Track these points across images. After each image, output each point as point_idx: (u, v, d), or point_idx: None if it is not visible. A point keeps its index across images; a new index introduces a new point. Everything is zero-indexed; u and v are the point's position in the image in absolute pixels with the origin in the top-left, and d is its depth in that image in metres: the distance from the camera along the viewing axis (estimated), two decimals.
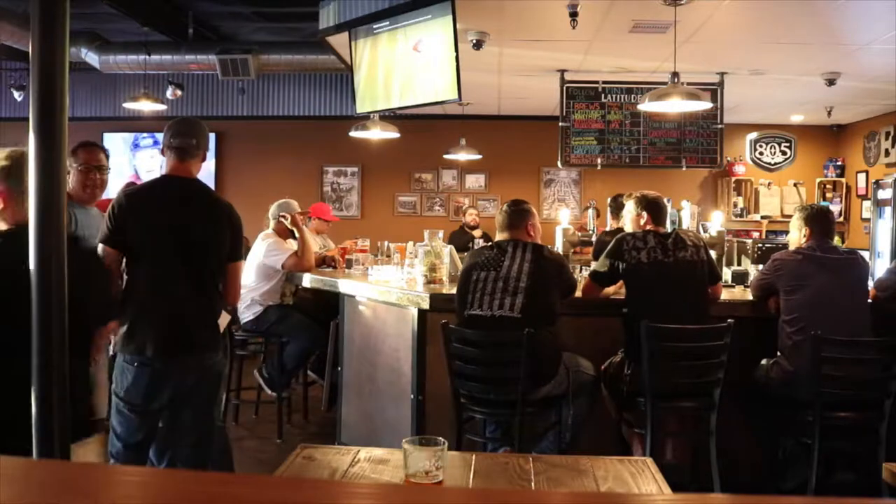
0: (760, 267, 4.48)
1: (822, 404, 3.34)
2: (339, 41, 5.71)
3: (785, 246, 5.02)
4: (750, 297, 4.06)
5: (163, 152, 3.01)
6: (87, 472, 0.78)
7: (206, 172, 9.45)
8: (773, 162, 9.58)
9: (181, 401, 2.91)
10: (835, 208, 9.21)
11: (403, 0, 4.89)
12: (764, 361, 3.67)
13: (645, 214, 3.80)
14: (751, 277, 4.42)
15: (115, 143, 9.54)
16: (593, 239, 5.67)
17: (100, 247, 2.84)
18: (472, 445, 3.44)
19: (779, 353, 3.59)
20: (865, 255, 4.67)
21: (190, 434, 2.95)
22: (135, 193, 2.95)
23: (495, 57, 5.98)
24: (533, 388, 3.27)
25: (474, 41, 5.20)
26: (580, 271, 4.68)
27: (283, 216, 5.07)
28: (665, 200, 4.00)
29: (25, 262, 1.30)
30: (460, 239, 7.60)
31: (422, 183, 9.70)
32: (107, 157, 3.32)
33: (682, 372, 3.44)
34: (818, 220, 3.71)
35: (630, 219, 3.91)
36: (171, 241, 2.83)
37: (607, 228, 6.04)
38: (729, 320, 3.37)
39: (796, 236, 3.76)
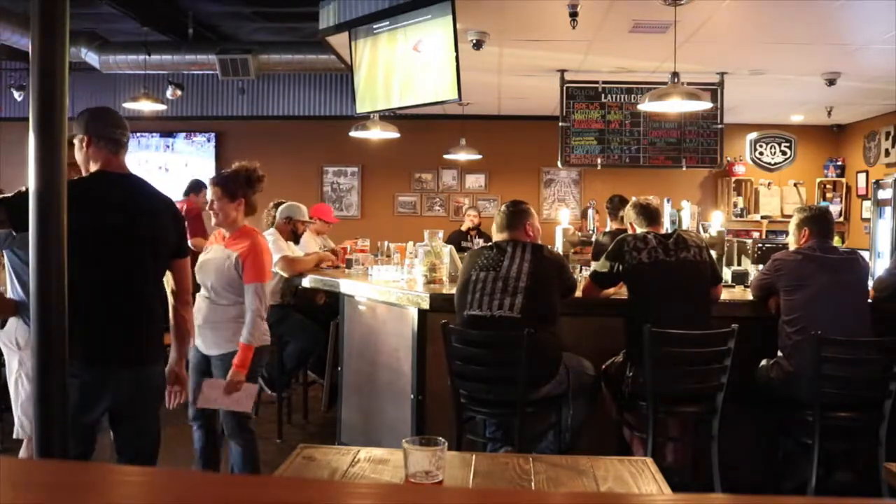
0: (761, 267, 4.47)
1: (822, 404, 3.34)
2: (339, 41, 5.71)
3: (785, 246, 5.03)
4: (750, 297, 4.06)
5: (90, 144, 2.63)
6: (87, 472, 0.78)
7: (206, 173, 9.46)
8: (773, 162, 9.58)
9: (117, 415, 2.69)
10: (835, 208, 9.21)
11: (403, 0, 4.89)
12: (764, 362, 3.67)
13: (638, 220, 3.85)
14: (751, 277, 4.42)
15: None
16: (593, 239, 5.68)
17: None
18: (472, 445, 3.44)
19: (779, 353, 3.59)
20: (865, 255, 4.67)
21: (127, 449, 2.75)
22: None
23: (495, 57, 5.98)
24: (533, 388, 3.26)
25: (474, 41, 5.20)
26: (580, 271, 4.68)
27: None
28: (657, 202, 4.02)
29: None
30: (457, 238, 7.61)
31: (422, 183, 9.70)
32: None
33: (684, 377, 3.44)
34: (817, 220, 3.71)
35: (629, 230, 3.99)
36: (108, 240, 2.58)
37: (607, 229, 6.04)
38: (733, 325, 3.36)
39: (795, 238, 3.76)
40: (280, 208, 5.19)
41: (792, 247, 3.80)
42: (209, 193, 3.47)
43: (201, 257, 3.51)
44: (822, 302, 3.47)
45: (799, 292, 3.52)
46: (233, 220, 3.41)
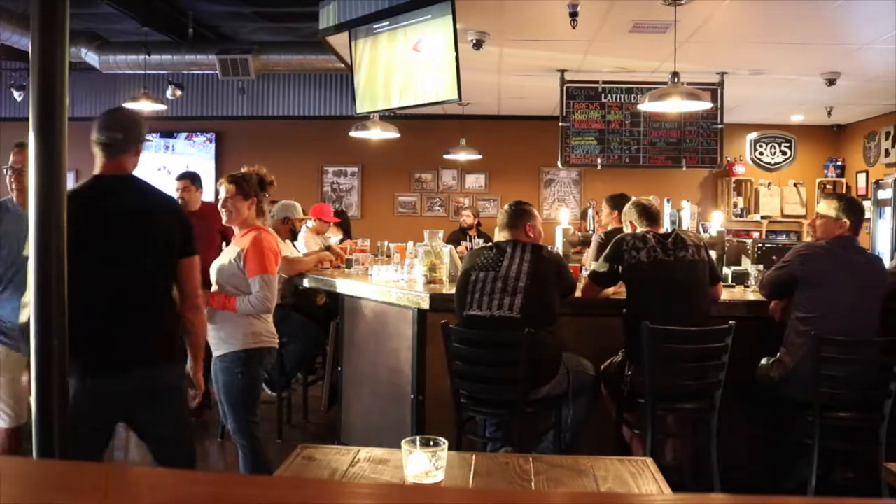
0: (761, 267, 4.46)
1: (821, 404, 3.33)
2: (339, 41, 5.71)
3: (785, 246, 5.00)
4: (750, 297, 4.06)
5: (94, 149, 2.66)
6: (88, 472, 0.78)
7: (207, 173, 9.48)
8: (773, 162, 9.58)
9: (140, 424, 2.67)
10: None
11: (403, 0, 4.89)
12: (764, 361, 3.66)
13: (639, 220, 3.86)
14: (751, 277, 4.41)
15: None
16: (593, 239, 5.67)
17: None
18: (472, 445, 3.44)
19: (782, 349, 3.55)
20: None
21: (166, 457, 2.70)
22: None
23: (495, 57, 5.98)
24: (533, 388, 3.26)
25: (474, 41, 5.20)
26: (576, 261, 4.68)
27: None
28: (657, 202, 4.02)
29: None
30: (457, 238, 7.63)
31: (422, 183, 9.70)
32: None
33: (683, 374, 3.44)
34: (860, 214, 3.58)
35: (628, 229, 4.02)
36: (106, 245, 2.56)
37: (609, 228, 6.04)
38: (730, 322, 3.36)
39: (832, 215, 3.52)
40: (275, 208, 5.19)
41: (819, 232, 3.60)
42: (222, 191, 3.49)
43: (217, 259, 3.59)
44: (841, 304, 3.41)
45: (818, 289, 3.44)
46: (244, 219, 3.47)
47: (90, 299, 2.51)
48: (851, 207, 3.56)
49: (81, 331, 2.51)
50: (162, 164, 9.62)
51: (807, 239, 8.33)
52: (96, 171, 2.66)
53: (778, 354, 3.58)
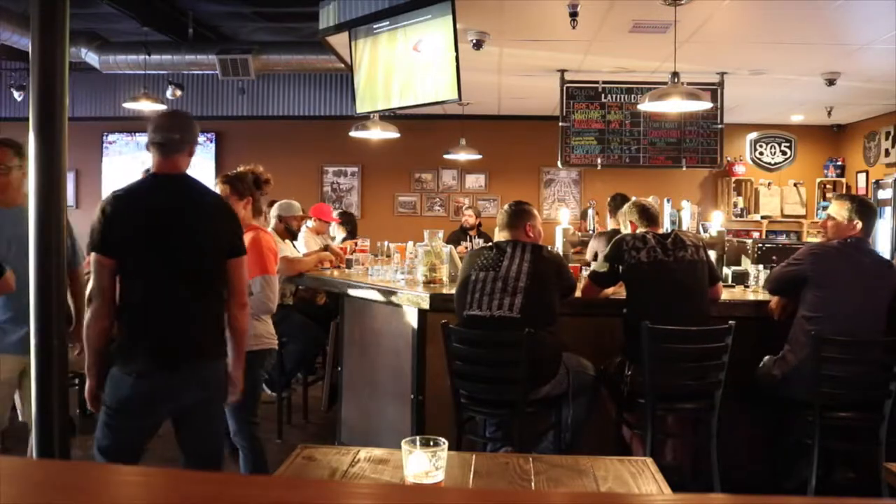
0: (760, 267, 4.46)
1: (822, 404, 3.33)
2: (339, 41, 5.72)
3: (786, 247, 5.00)
4: (750, 297, 4.06)
5: (148, 148, 2.73)
6: (87, 472, 0.78)
7: (207, 173, 9.48)
8: (773, 162, 9.58)
9: (184, 415, 2.73)
10: None
11: (403, 0, 4.89)
12: (767, 358, 3.65)
13: (640, 221, 3.86)
14: (751, 277, 4.40)
15: (119, 143, 9.56)
16: (591, 242, 5.67)
17: (92, 255, 2.59)
18: (472, 445, 3.44)
19: (786, 346, 3.53)
20: None
21: (198, 450, 2.78)
22: (120, 196, 2.65)
23: (495, 57, 5.98)
24: (533, 388, 3.26)
25: (474, 41, 5.21)
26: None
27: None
28: (657, 202, 4.02)
29: None
30: (458, 237, 7.64)
31: (422, 183, 9.71)
32: (19, 154, 3.20)
33: (683, 374, 3.44)
34: (872, 217, 3.56)
35: (628, 229, 4.02)
36: (162, 242, 2.62)
37: (608, 228, 6.04)
38: (730, 322, 3.36)
39: (844, 217, 3.50)
40: (276, 209, 5.19)
41: (831, 233, 3.58)
42: (217, 192, 3.47)
43: None
44: (851, 304, 3.40)
45: (828, 289, 3.43)
46: (241, 219, 3.45)
47: (143, 295, 2.60)
48: (864, 209, 3.54)
49: (136, 326, 2.62)
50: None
51: (808, 239, 8.34)
52: (152, 169, 2.72)
53: (782, 352, 3.57)
